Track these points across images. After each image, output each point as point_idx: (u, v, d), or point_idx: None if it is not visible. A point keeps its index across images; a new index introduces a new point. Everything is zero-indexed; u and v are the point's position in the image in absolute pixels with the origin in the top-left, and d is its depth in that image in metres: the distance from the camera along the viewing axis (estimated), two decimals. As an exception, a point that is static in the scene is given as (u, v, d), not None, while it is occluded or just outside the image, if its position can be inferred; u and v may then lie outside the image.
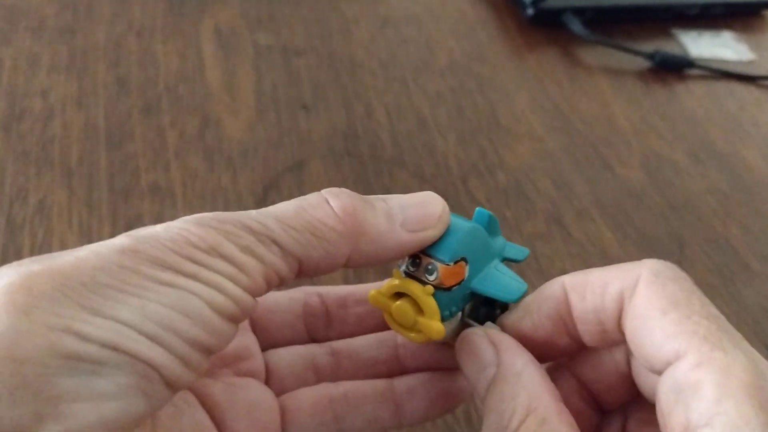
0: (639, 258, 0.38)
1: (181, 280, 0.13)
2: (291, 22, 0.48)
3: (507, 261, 0.20)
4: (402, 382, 0.20)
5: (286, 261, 0.15)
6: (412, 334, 0.18)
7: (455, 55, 0.48)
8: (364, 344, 0.21)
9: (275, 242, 0.15)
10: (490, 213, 0.20)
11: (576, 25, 0.50)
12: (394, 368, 0.21)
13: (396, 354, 0.21)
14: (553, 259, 0.35)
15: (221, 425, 0.18)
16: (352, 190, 0.17)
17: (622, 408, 0.19)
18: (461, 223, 0.18)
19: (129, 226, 0.33)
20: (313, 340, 0.21)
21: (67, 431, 0.12)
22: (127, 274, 0.13)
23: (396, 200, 0.17)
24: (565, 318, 0.17)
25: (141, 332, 0.13)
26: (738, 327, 0.36)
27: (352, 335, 0.21)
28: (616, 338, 0.17)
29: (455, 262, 0.18)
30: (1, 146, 0.36)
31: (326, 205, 0.16)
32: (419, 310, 0.18)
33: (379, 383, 0.20)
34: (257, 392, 0.19)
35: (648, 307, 0.15)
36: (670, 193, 0.40)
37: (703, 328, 0.15)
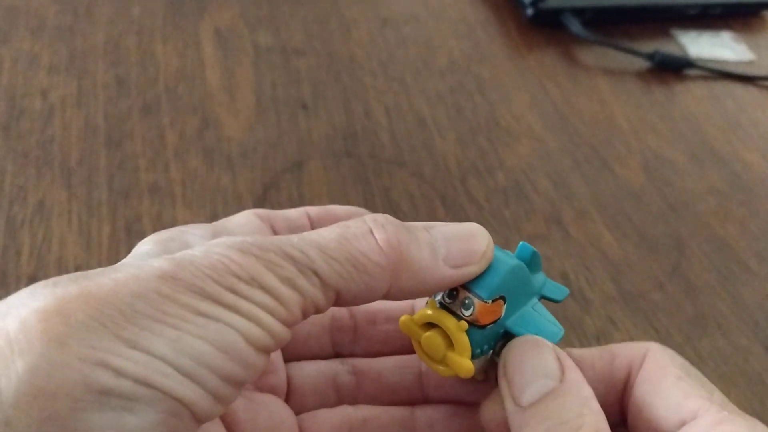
0: (638, 257, 0.38)
1: (220, 312, 0.13)
2: (291, 23, 0.48)
3: (545, 300, 0.20)
4: (423, 414, 0.20)
5: (324, 292, 0.15)
6: (440, 368, 0.18)
7: (455, 56, 0.48)
8: (389, 367, 0.20)
9: (316, 273, 0.15)
10: (534, 249, 0.19)
11: (575, 26, 0.50)
12: (415, 396, 0.20)
13: (419, 381, 0.20)
14: (553, 259, 0.35)
15: None
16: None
17: None
18: (504, 259, 0.18)
19: (128, 226, 0.33)
20: (337, 354, 0.21)
21: None
22: (166, 303, 0.13)
23: (440, 231, 0.17)
24: None
25: (175, 368, 0.13)
26: (737, 327, 0.36)
27: (378, 353, 0.21)
28: (611, 417, 0.17)
29: (493, 300, 0.17)
30: (0, 146, 0.36)
31: (370, 237, 0.15)
32: (450, 343, 0.17)
33: (400, 411, 0.20)
34: (278, 411, 0.19)
35: (662, 371, 0.16)
36: (670, 193, 0.40)
37: (718, 397, 0.15)
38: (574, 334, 0.32)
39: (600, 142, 0.43)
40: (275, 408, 0.19)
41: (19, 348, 0.12)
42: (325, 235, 0.15)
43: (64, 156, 0.36)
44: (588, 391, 0.16)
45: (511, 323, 0.18)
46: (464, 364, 0.17)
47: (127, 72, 0.42)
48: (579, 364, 0.17)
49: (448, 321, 0.17)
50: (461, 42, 0.49)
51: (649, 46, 0.51)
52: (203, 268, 0.13)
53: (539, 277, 0.20)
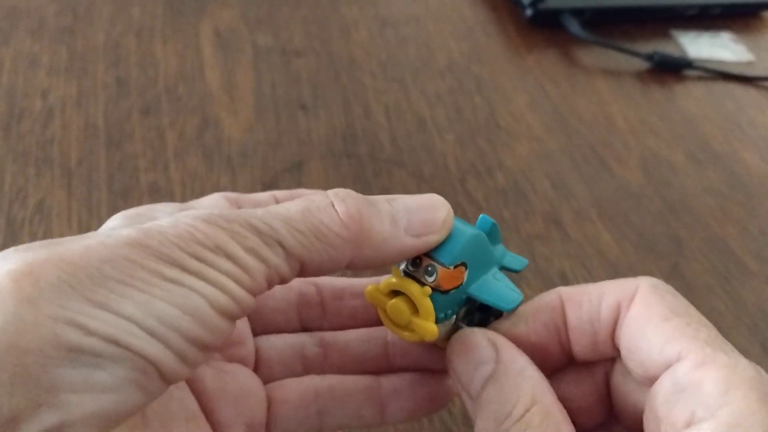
0: (637, 257, 0.38)
1: (186, 278, 0.14)
2: (290, 23, 0.48)
3: (505, 270, 0.20)
4: (388, 381, 0.20)
5: (288, 263, 0.15)
6: (405, 333, 0.19)
7: (454, 56, 0.48)
8: (354, 338, 0.21)
9: (280, 244, 0.15)
10: (494, 221, 0.20)
11: (574, 26, 0.50)
12: (381, 365, 0.21)
13: (385, 351, 0.21)
14: (551, 259, 0.35)
15: (209, 412, 0.18)
16: (350, 189, 0.17)
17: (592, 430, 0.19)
18: (464, 229, 0.18)
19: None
20: (305, 329, 0.21)
21: (63, 421, 0.12)
22: (134, 268, 0.13)
23: (401, 203, 0.17)
24: (559, 327, 0.18)
25: (143, 328, 0.13)
26: (735, 327, 0.36)
27: (344, 328, 0.21)
28: (606, 351, 0.17)
29: (455, 267, 0.18)
30: (0, 146, 0.36)
31: (332, 209, 0.16)
32: (415, 309, 0.18)
33: (365, 380, 0.20)
34: (246, 381, 0.20)
35: (648, 313, 0.16)
36: (668, 193, 0.40)
37: (704, 334, 0.15)
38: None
39: (599, 142, 0.43)
40: (244, 377, 0.20)
41: None
42: (290, 207, 0.16)
43: (64, 156, 0.36)
44: (522, 361, 0.16)
45: (472, 289, 0.18)
46: (429, 327, 0.18)
47: (127, 72, 0.42)
48: (570, 300, 0.17)
49: (413, 287, 0.18)
50: (461, 42, 0.49)
51: (648, 46, 0.51)
52: (170, 236, 0.14)
53: (499, 248, 0.20)
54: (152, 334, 0.13)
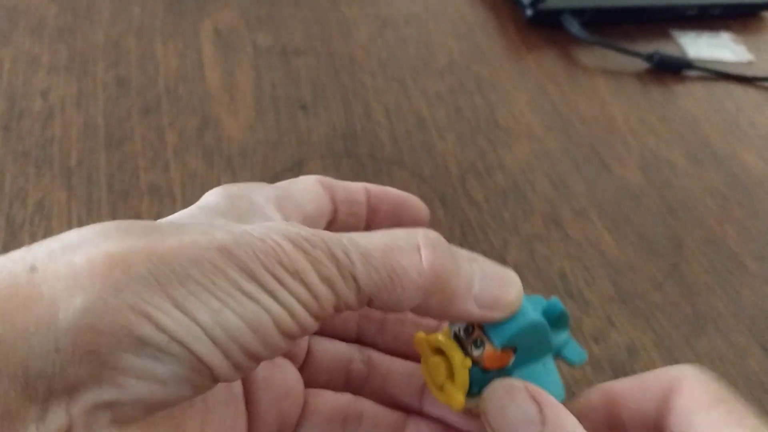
0: (637, 257, 0.38)
1: (261, 296, 0.14)
2: (290, 23, 0.48)
3: (561, 359, 0.20)
4: (414, 425, 0.20)
5: (358, 296, 0.16)
6: (437, 392, 0.18)
7: (454, 56, 0.48)
8: (399, 369, 0.21)
9: (354, 278, 0.15)
10: (564, 309, 0.19)
11: (574, 27, 0.50)
12: (414, 405, 0.21)
13: (421, 393, 0.21)
14: (551, 259, 0.35)
15: (250, 400, 0.19)
16: (439, 234, 0.17)
17: None
18: (528, 313, 0.18)
19: (128, 226, 0.33)
20: (359, 340, 0.21)
21: (116, 399, 0.13)
22: (217, 275, 0.14)
23: (480, 267, 0.17)
24: (607, 427, 0.18)
25: (209, 336, 0.14)
26: (735, 327, 0.36)
27: (396, 352, 0.21)
28: None
29: (503, 349, 0.17)
30: (0, 146, 0.36)
31: (416, 254, 0.16)
32: (452, 374, 0.18)
33: (394, 416, 0.20)
34: (291, 378, 0.20)
35: (694, 402, 0.16)
36: (668, 193, 0.40)
37: (750, 422, 0.15)
38: (573, 335, 0.32)
39: (599, 142, 0.43)
40: (289, 374, 0.20)
41: (81, 285, 0.13)
42: (374, 241, 0.16)
43: (64, 156, 0.36)
44: (571, 423, 0.16)
45: (516, 374, 0.18)
46: (457, 398, 0.17)
47: (127, 72, 0.42)
48: (609, 398, 0.17)
49: (456, 354, 0.18)
50: (461, 42, 0.49)
51: (648, 46, 0.51)
52: (258, 251, 0.14)
53: (562, 335, 0.19)
54: (215, 342, 0.14)
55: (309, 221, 0.19)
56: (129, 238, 0.14)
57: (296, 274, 0.15)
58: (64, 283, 0.13)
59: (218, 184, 0.36)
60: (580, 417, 0.17)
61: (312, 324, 0.15)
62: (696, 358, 0.32)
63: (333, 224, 0.20)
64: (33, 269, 0.13)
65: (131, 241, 0.14)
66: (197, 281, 0.14)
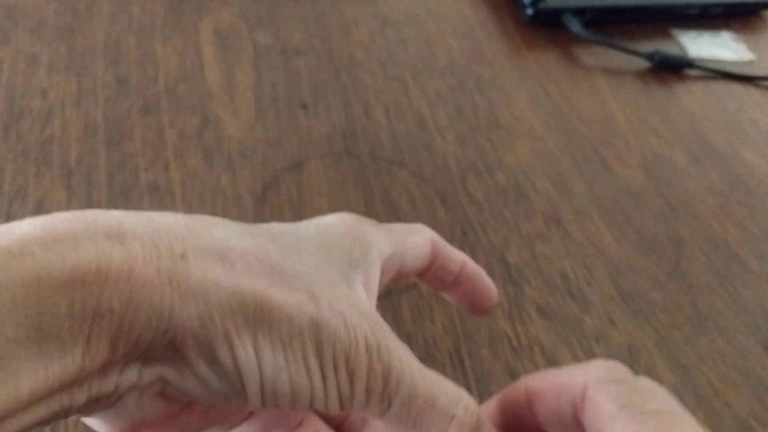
0: (638, 257, 0.38)
1: (315, 375, 0.16)
2: (290, 22, 0.48)
3: None
4: None
5: (380, 415, 0.17)
6: None
7: (454, 55, 0.48)
8: None
9: (390, 403, 0.17)
10: None
11: (575, 26, 0.50)
12: None
13: None
14: (552, 259, 0.35)
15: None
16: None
17: None
18: None
19: (128, 226, 0.33)
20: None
21: (174, 381, 0.15)
22: (296, 341, 0.16)
23: None
24: (530, 421, 0.18)
25: (261, 383, 0.16)
26: (736, 327, 0.36)
27: None
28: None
29: None
30: (0, 145, 0.36)
31: (445, 423, 0.17)
32: None
33: None
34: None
35: (599, 412, 0.16)
36: (669, 193, 0.40)
37: (651, 425, 0.15)
38: (574, 335, 0.32)
39: (600, 141, 0.43)
40: None
41: (206, 297, 0.15)
42: (426, 384, 0.17)
43: (64, 155, 0.36)
44: None
45: None
46: None
47: (127, 71, 0.42)
48: (531, 393, 0.18)
49: None
50: (461, 42, 0.49)
51: (649, 46, 0.51)
52: (337, 339, 0.16)
53: None
54: (263, 390, 0.16)
55: (405, 275, 0.21)
56: (255, 276, 0.16)
57: (352, 374, 0.16)
58: (197, 287, 0.15)
59: (218, 183, 0.36)
60: (505, 411, 0.18)
61: (335, 413, 0.17)
62: (697, 357, 0.32)
63: (422, 275, 0.22)
64: (183, 257, 0.15)
65: (254, 281, 0.15)
66: (280, 337, 0.15)
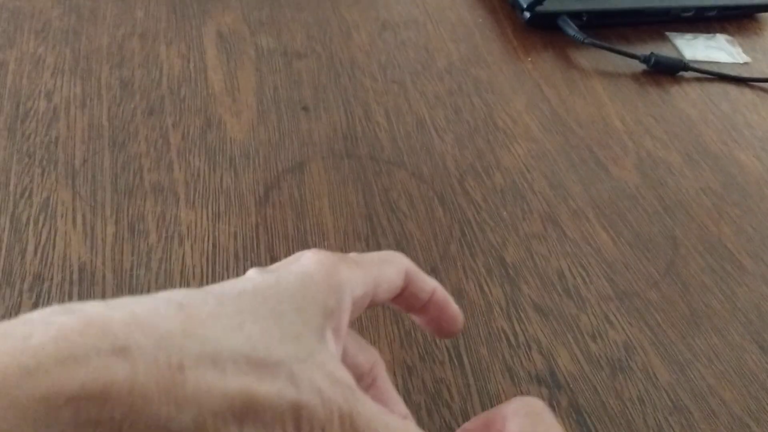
0: (633, 256, 0.39)
1: None
2: (292, 26, 0.49)
3: None
4: None
5: None
6: None
7: (453, 58, 0.48)
8: None
9: None
10: None
11: (572, 29, 0.50)
12: None
13: None
14: (549, 258, 0.36)
15: None
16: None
17: None
18: None
19: (132, 226, 0.34)
20: None
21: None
22: (278, 424, 0.17)
23: None
24: None
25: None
26: (731, 325, 0.36)
27: None
28: None
29: None
30: (5, 146, 0.37)
31: None
32: None
33: None
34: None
35: None
36: (665, 193, 0.41)
37: None
38: (571, 333, 0.32)
39: (596, 143, 0.44)
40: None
41: (190, 403, 0.16)
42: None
43: (69, 156, 0.37)
44: None
45: None
46: None
47: (131, 74, 0.43)
48: None
49: None
50: (459, 45, 0.50)
51: (645, 48, 0.51)
52: (315, 418, 0.17)
53: None
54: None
55: (376, 304, 0.22)
56: (242, 374, 0.17)
57: None
58: (192, 396, 0.16)
59: (221, 184, 0.37)
60: None
61: None
62: (692, 355, 0.32)
63: (392, 300, 0.23)
64: (180, 368, 0.16)
65: (242, 379, 0.17)
66: (264, 423, 0.16)
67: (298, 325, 0.18)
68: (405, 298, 0.23)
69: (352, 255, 0.21)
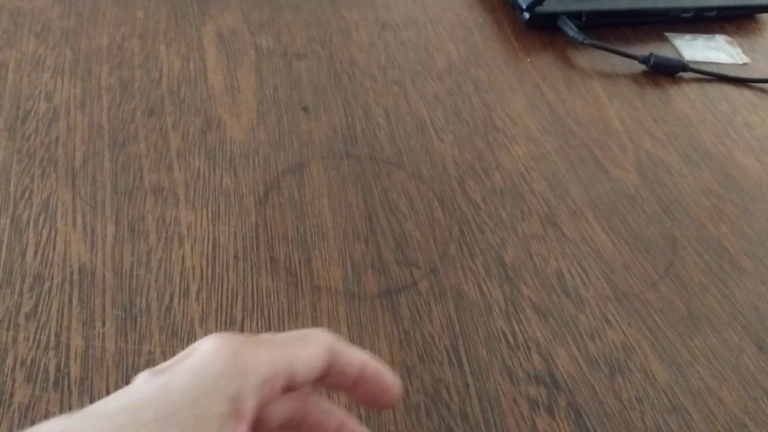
0: (632, 257, 0.39)
1: None
2: (292, 26, 0.49)
3: None
4: None
5: None
6: None
7: (453, 59, 0.49)
8: None
9: None
10: None
11: (571, 29, 0.50)
12: None
13: None
14: (548, 258, 0.36)
15: None
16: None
17: None
18: None
19: (132, 226, 0.34)
20: None
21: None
22: None
23: None
24: None
25: None
26: (730, 326, 0.37)
27: None
28: None
29: None
30: (6, 147, 0.37)
31: None
32: None
33: None
34: None
35: None
36: (664, 194, 0.41)
37: None
38: (570, 333, 0.33)
39: (595, 143, 0.44)
40: None
41: None
42: None
43: (69, 157, 0.37)
44: None
45: None
46: None
47: (131, 74, 0.43)
48: None
49: None
50: (459, 45, 0.50)
51: (644, 49, 0.51)
52: None
53: None
54: None
55: (296, 387, 0.20)
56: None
57: None
58: None
59: (221, 184, 0.37)
60: None
61: None
62: (691, 356, 0.32)
63: (318, 381, 0.21)
64: None
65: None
66: None
67: (189, 427, 0.17)
68: (332, 377, 0.21)
69: (264, 336, 0.20)
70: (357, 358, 0.22)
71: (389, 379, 0.22)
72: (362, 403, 0.23)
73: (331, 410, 0.23)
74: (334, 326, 0.31)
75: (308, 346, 0.20)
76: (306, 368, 0.20)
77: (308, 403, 0.22)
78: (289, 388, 0.20)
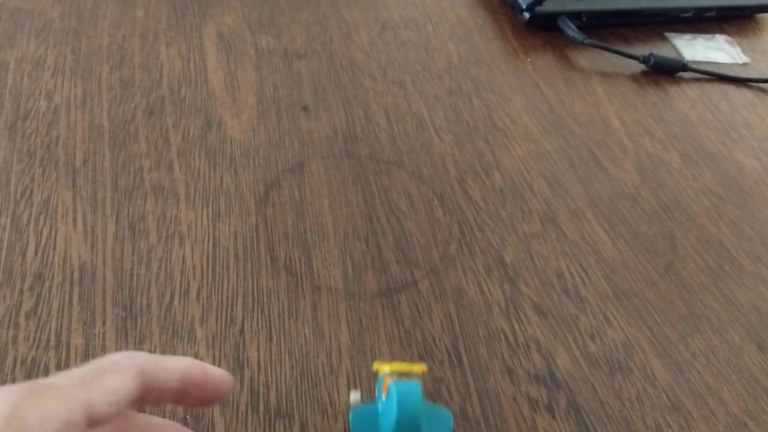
0: (632, 256, 0.39)
1: None
2: (292, 26, 0.49)
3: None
4: None
5: None
6: None
7: (453, 59, 0.49)
8: None
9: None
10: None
11: (571, 29, 0.51)
12: None
13: None
14: (548, 258, 0.36)
15: None
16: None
17: None
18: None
19: (133, 226, 0.34)
20: None
21: None
22: None
23: None
24: None
25: None
26: (730, 326, 0.37)
27: None
28: None
29: None
30: (6, 146, 0.37)
31: None
32: None
33: None
34: None
35: None
36: (664, 193, 0.41)
37: None
38: (570, 333, 0.33)
39: (595, 143, 0.44)
40: None
41: None
42: None
43: (69, 156, 0.37)
44: None
45: None
46: None
47: (131, 74, 0.43)
48: None
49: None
50: (459, 45, 0.50)
51: (644, 49, 0.51)
52: None
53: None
54: None
55: (107, 420, 0.19)
56: None
57: None
58: None
59: (221, 184, 0.37)
60: None
61: None
62: (691, 355, 0.32)
63: (142, 401, 0.21)
64: None
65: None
66: None
67: None
68: (153, 394, 0.20)
69: (57, 377, 0.19)
70: (175, 368, 0.21)
71: (217, 374, 0.22)
72: (196, 405, 0.23)
73: (159, 425, 0.22)
74: (334, 326, 0.31)
75: (111, 377, 0.19)
76: (108, 402, 0.19)
77: (129, 425, 0.21)
78: (95, 424, 0.19)
